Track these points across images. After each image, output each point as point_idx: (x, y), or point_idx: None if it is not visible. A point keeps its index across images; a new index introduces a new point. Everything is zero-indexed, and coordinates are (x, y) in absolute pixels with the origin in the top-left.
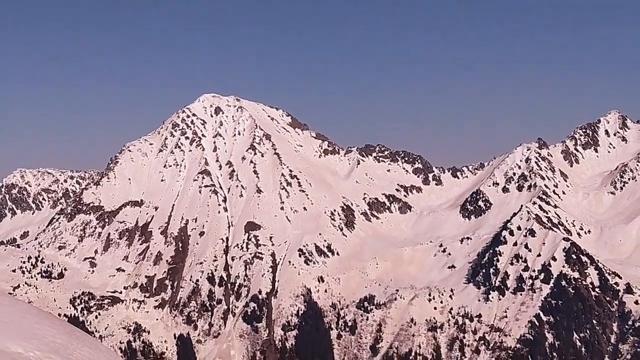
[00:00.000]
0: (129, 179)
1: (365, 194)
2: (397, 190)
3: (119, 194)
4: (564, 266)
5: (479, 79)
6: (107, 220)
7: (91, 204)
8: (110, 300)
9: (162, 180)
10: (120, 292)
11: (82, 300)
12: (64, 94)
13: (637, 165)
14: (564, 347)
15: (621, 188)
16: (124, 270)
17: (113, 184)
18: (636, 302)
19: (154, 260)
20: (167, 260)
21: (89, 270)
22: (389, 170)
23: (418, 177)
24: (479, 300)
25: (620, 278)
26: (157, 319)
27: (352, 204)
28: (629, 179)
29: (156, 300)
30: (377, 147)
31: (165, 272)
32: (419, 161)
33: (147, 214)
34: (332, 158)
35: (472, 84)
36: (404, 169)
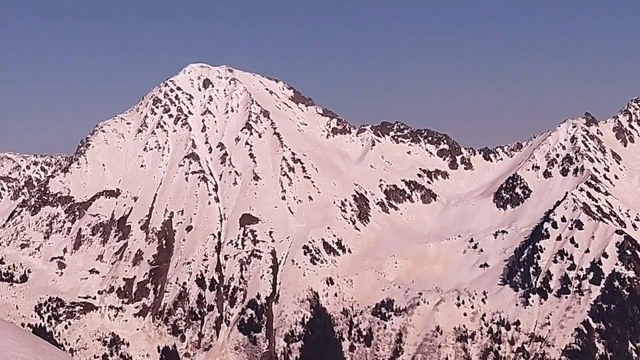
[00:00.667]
0: (103, 165)
1: (381, 180)
2: (419, 175)
3: (92, 182)
4: (617, 264)
5: (514, 44)
6: (77, 213)
7: (59, 195)
8: (82, 308)
9: (141, 165)
10: (94, 298)
11: (50, 308)
12: (26, 64)
13: None
14: (617, 358)
15: None
16: (98, 272)
17: (84, 170)
18: None
19: (133, 260)
20: (148, 260)
21: (57, 272)
22: (409, 152)
23: (444, 159)
24: (517, 305)
25: None
26: (137, 329)
27: (366, 192)
28: None
29: (136, 307)
30: (395, 125)
31: (146, 273)
32: (445, 141)
33: (124, 205)
34: (342, 138)
35: (506, 50)
36: (427, 150)
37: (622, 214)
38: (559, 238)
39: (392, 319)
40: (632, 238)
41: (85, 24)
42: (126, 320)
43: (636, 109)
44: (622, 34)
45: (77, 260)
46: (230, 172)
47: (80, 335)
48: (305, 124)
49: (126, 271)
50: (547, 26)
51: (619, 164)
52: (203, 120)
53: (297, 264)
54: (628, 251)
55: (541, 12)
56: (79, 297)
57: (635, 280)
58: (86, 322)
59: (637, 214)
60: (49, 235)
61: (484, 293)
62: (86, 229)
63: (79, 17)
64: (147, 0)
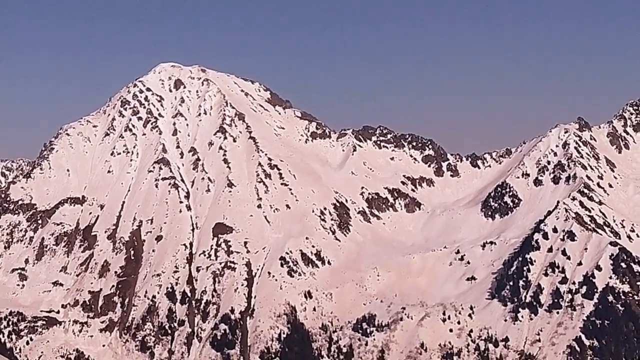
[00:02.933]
0: (68, 170)
1: (363, 188)
2: (403, 183)
3: (55, 189)
4: (611, 277)
5: (504, 45)
6: (40, 221)
7: (20, 202)
8: (44, 322)
9: (108, 171)
10: (58, 312)
11: (10, 322)
12: None
13: None
14: None
15: None
16: (61, 285)
17: (47, 176)
18: None
19: (99, 272)
20: (115, 272)
21: (18, 285)
22: (392, 158)
23: (429, 166)
24: (506, 320)
25: None
26: (103, 345)
27: (346, 200)
28: None
29: (102, 322)
30: (377, 130)
31: (113, 286)
32: (430, 147)
33: (90, 213)
34: (322, 143)
35: (496, 50)
36: (411, 156)
37: (616, 224)
38: (550, 250)
39: (373, 335)
40: (627, 250)
41: (48, 20)
42: (92, 336)
43: (631, 114)
44: (617, 35)
45: (40, 272)
46: (202, 178)
47: (42, 352)
48: (283, 128)
49: (92, 283)
50: (538, 27)
51: (613, 171)
52: (174, 123)
53: (273, 276)
54: (623, 264)
55: (531, 13)
56: (41, 311)
57: (630, 294)
58: (49, 337)
59: (632, 224)
60: (9, 245)
61: (471, 308)
62: (49, 239)
63: (41, 13)
64: None
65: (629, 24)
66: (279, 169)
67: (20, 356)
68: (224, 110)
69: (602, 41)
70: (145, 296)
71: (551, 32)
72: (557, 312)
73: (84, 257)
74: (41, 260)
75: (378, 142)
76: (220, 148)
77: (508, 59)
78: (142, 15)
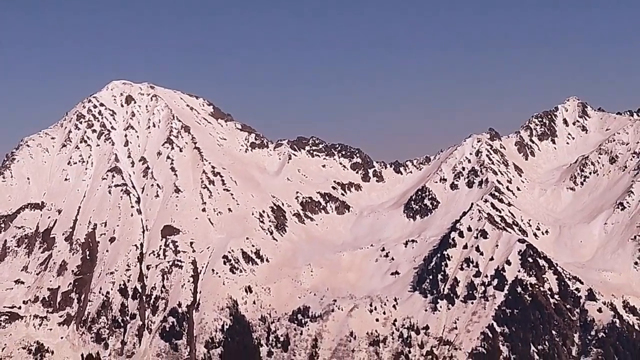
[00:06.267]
0: (28, 179)
1: (297, 192)
2: (334, 188)
3: (16, 195)
4: (519, 271)
5: (420, 62)
6: (2, 225)
7: None
8: (7, 317)
9: (65, 179)
10: (19, 308)
11: None
12: None
13: (599, 157)
14: None
15: (582, 183)
16: (23, 283)
17: (9, 184)
18: (599, 310)
19: (57, 271)
20: (72, 271)
21: None
22: (324, 166)
23: (357, 173)
24: (426, 310)
25: (582, 283)
26: (62, 338)
27: (283, 204)
28: (590, 173)
29: (61, 316)
30: (310, 140)
31: (70, 283)
32: (358, 155)
33: (49, 217)
34: (260, 152)
35: (414, 67)
36: (340, 164)
37: (524, 223)
38: (465, 247)
39: (308, 325)
40: (534, 246)
41: (8, 41)
42: (51, 329)
43: (537, 125)
44: (524, 53)
45: (3, 271)
46: (152, 185)
47: (5, 344)
48: (225, 139)
49: (51, 281)
50: (450, 50)
51: (520, 176)
52: (126, 135)
53: (217, 273)
54: (530, 259)
55: (445, 35)
56: (4, 307)
57: (536, 286)
58: (11, 331)
59: (538, 223)
60: None
61: (395, 299)
62: (11, 241)
63: (3, 35)
64: (70, 19)
65: (535, 45)
66: (221, 176)
67: None
68: (171, 123)
69: (511, 58)
70: (99, 292)
71: (464, 55)
72: (472, 303)
73: (43, 257)
74: (4, 261)
75: (311, 151)
76: (168, 157)
77: (425, 74)
78: (96, 37)
